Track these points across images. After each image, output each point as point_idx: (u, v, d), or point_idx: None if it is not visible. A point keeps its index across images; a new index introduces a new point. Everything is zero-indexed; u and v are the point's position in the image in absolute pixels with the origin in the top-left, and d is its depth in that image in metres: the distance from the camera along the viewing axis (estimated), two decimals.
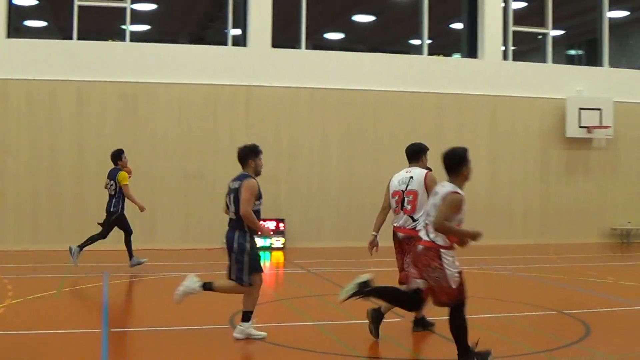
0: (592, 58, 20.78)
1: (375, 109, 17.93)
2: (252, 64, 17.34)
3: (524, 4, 20.07)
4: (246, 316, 7.87)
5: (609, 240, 18.87)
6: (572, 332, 8.39)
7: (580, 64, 21.66)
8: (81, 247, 12.75)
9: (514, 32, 19.16)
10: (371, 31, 21.55)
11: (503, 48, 18.99)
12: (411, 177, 8.05)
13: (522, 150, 18.72)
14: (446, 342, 7.33)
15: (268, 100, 17.38)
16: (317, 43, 20.09)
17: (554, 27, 19.60)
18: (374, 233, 8.29)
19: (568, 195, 18.83)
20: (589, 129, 18.67)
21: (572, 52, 22.20)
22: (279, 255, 16.02)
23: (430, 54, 18.85)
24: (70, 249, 12.71)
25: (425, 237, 6.74)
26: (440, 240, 6.62)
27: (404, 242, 7.96)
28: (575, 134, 18.75)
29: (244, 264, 7.74)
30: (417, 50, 19.18)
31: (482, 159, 18.33)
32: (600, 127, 18.68)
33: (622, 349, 7.87)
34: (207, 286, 7.81)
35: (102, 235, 12.87)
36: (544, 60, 19.52)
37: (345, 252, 15.82)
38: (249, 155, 7.97)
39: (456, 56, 20.30)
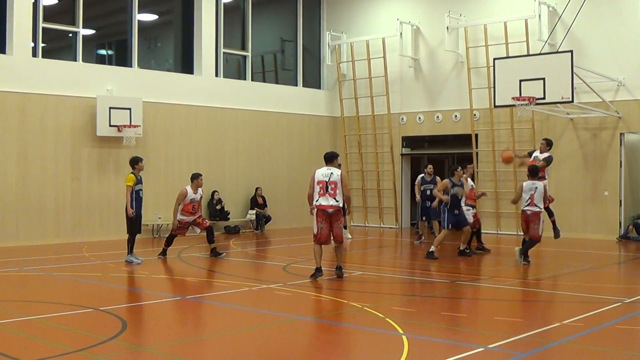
0: (122, 58, 21.27)
1: None
2: None
3: (55, 1, 19.76)
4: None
5: (142, 236, 19.45)
6: (109, 328, 8.56)
7: (110, 63, 22.03)
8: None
9: (44, 29, 18.80)
10: None
11: (32, 44, 18.50)
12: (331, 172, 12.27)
13: (53, 148, 18.43)
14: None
15: None
16: None
17: (85, 26, 19.65)
18: None
19: (100, 193, 19.08)
20: (119, 127, 19.12)
21: (103, 51, 22.46)
22: None
23: None
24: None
25: None
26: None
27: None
28: (105, 132, 19.04)
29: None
30: None
31: (12, 156, 17.74)
32: (130, 126, 19.23)
33: (157, 340, 8.28)
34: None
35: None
36: (74, 59, 19.46)
37: None
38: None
39: None
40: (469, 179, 16.21)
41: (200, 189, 15.45)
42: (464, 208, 15.75)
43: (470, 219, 15.82)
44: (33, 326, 8.81)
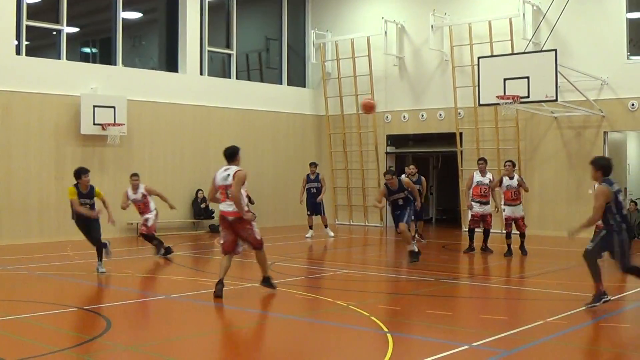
0: (106, 57, 21.18)
1: None
2: None
3: None
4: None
5: (126, 235, 19.43)
6: (94, 327, 8.56)
7: (94, 62, 21.93)
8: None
9: (28, 27, 18.70)
10: None
11: (16, 42, 18.40)
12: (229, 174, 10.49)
13: (37, 147, 18.34)
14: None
15: None
16: None
17: (69, 24, 19.56)
18: None
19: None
20: (104, 126, 19.05)
21: (87, 50, 22.37)
22: None
23: None
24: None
25: None
26: None
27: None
28: (90, 131, 18.97)
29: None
30: None
31: None
32: (115, 124, 19.16)
33: (142, 339, 8.26)
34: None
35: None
36: (58, 57, 19.36)
37: None
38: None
39: None
40: (477, 175, 16.09)
41: (141, 189, 14.96)
42: (474, 204, 15.74)
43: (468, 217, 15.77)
44: (17, 325, 8.77)
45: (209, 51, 22.55)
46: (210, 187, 10.78)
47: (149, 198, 15.13)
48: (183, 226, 21.15)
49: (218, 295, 10.27)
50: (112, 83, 19.76)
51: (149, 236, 15.09)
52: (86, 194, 12.92)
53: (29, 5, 18.79)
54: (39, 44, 20.27)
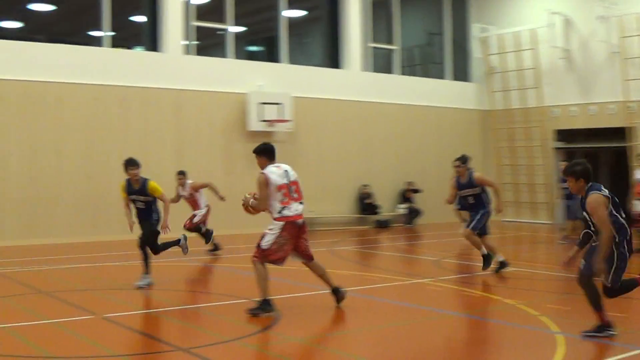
0: (271, 54, 21.74)
1: (57, 100, 17.23)
2: None
3: (206, 0, 20.44)
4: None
5: None
6: (264, 319, 8.76)
7: (260, 60, 22.54)
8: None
9: (196, 27, 19.48)
10: (50, 21, 20.43)
11: (185, 42, 19.19)
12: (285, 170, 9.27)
13: (207, 144, 19.09)
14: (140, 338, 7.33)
15: None
16: None
17: (235, 24, 20.21)
18: None
19: (252, 187, 19.47)
20: (270, 122, 19.54)
21: (253, 48, 23.03)
22: None
23: (111, 46, 18.46)
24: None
25: None
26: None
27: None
28: (257, 127, 19.52)
29: None
30: (97, 42, 18.64)
31: (168, 152, 18.49)
32: (281, 120, 19.62)
33: (310, 332, 8.42)
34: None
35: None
36: (225, 56, 20.04)
37: (30, 250, 15.11)
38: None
39: (138, 49, 20.13)
40: (638, 172, 15.33)
41: (187, 186, 14.77)
42: (637, 203, 14.90)
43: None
44: (192, 314, 9.16)
45: (371, 47, 22.65)
46: (269, 192, 9.21)
47: (197, 195, 14.94)
48: (349, 221, 21.39)
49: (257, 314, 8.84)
50: (278, 80, 20.23)
51: (194, 230, 15.01)
52: (138, 189, 11.07)
53: (196, 6, 19.54)
54: (207, 44, 21.06)
